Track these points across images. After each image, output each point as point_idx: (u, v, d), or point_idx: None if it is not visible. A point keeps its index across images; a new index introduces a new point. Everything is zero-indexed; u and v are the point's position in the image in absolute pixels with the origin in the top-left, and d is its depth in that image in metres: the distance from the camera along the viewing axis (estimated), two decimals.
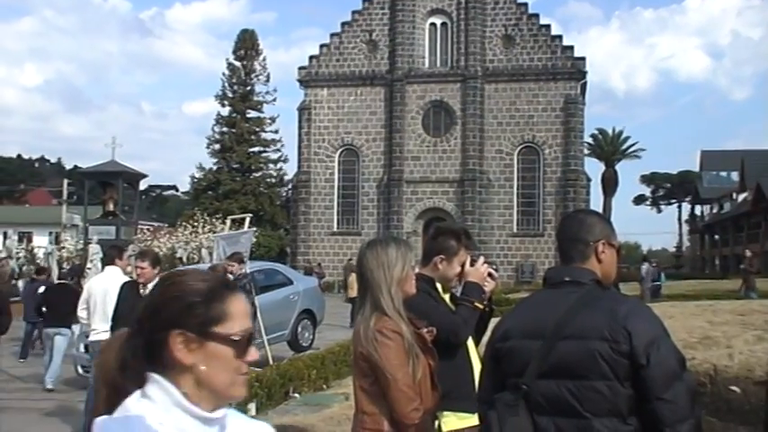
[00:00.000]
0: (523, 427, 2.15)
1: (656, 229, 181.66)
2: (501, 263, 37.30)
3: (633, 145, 57.73)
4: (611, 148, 56.17)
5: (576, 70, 41.70)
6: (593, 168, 56.91)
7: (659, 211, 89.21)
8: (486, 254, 38.79)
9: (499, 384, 2.29)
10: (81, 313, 8.05)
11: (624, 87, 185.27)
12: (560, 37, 42.50)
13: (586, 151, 48.43)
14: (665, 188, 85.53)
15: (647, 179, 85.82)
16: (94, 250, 27.52)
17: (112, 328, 6.72)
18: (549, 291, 2.37)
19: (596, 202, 50.23)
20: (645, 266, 25.98)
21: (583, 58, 42.17)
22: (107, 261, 8.21)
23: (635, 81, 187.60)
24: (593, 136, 55.78)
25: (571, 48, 42.19)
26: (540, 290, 2.48)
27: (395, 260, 2.84)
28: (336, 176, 43.49)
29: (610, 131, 57.37)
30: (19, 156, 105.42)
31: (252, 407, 7.55)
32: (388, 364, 2.70)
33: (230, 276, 9.58)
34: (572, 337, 2.14)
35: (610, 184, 54.70)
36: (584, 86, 42.83)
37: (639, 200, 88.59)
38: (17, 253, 33.42)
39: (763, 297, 19.33)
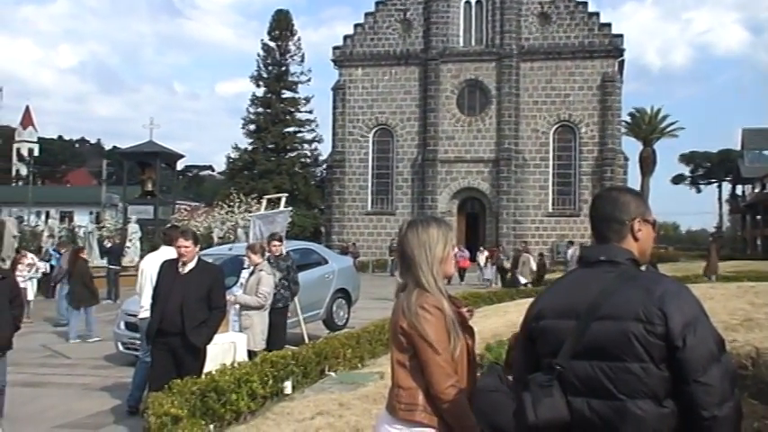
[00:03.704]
0: (558, 407, 2.12)
1: (695, 210, 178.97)
2: (536, 242, 37.06)
3: (672, 124, 56.63)
4: (649, 127, 55.16)
5: (613, 48, 41.02)
6: (631, 147, 56.18)
7: (699, 190, 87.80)
8: (521, 233, 38.60)
9: (533, 365, 2.27)
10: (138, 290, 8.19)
11: (660, 64, 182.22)
12: (597, 14, 41.80)
13: (623, 130, 47.70)
14: (705, 167, 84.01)
15: (686, 158, 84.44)
16: (133, 229, 28.02)
17: (152, 306, 6.79)
18: (584, 270, 2.32)
19: (634, 182, 49.57)
20: (571, 250, 25.28)
21: (620, 36, 41.45)
22: (166, 241, 8.12)
23: (671, 57, 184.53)
24: (630, 115, 54.86)
25: (608, 25, 41.49)
26: (576, 269, 2.43)
27: (436, 240, 2.84)
28: (371, 156, 43.50)
29: (647, 109, 56.37)
30: (60, 137, 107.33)
31: (288, 384, 7.63)
32: (428, 338, 2.70)
33: (271, 256, 9.76)
34: (606, 318, 2.11)
35: (648, 163, 53.81)
36: (621, 64, 42.11)
37: (678, 179, 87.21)
38: (59, 232, 34.05)
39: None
